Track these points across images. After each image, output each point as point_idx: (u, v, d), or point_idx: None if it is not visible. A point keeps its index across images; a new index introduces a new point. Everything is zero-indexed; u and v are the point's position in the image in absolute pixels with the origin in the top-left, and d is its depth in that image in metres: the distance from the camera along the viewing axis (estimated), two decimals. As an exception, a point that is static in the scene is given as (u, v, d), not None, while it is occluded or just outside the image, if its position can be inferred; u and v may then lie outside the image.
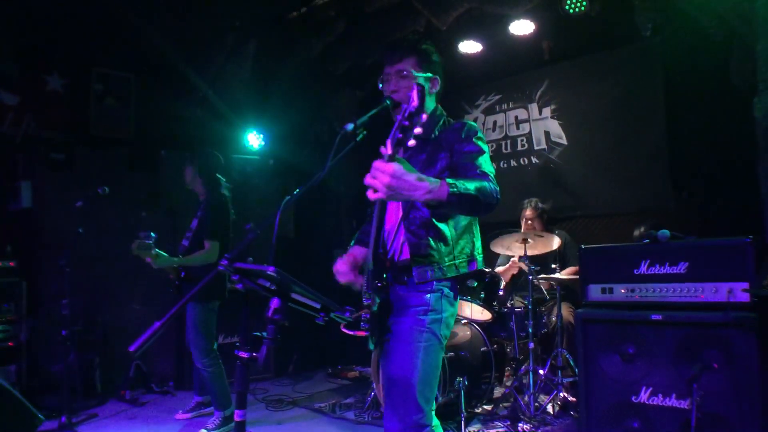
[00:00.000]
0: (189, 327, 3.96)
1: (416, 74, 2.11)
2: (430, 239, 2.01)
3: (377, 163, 1.58)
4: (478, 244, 2.18)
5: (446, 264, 2.03)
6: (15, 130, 5.21)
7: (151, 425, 4.29)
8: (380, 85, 2.16)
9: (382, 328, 1.99)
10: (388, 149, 1.58)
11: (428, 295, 1.99)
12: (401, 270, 2.03)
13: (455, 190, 1.69)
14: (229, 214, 4.17)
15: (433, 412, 1.97)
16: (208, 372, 3.98)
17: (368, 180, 1.59)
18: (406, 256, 2.04)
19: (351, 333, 1.96)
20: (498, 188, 1.86)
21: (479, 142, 2.04)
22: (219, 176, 4.23)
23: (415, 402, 1.88)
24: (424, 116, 1.60)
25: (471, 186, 1.75)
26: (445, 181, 1.69)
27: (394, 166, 1.56)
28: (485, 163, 1.97)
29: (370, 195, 1.60)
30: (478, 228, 2.19)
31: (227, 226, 4.13)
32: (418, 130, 1.60)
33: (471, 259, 2.11)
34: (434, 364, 1.97)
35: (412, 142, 1.63)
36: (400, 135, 1.60)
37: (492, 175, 1.92)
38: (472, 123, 2.12)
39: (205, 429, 3.96)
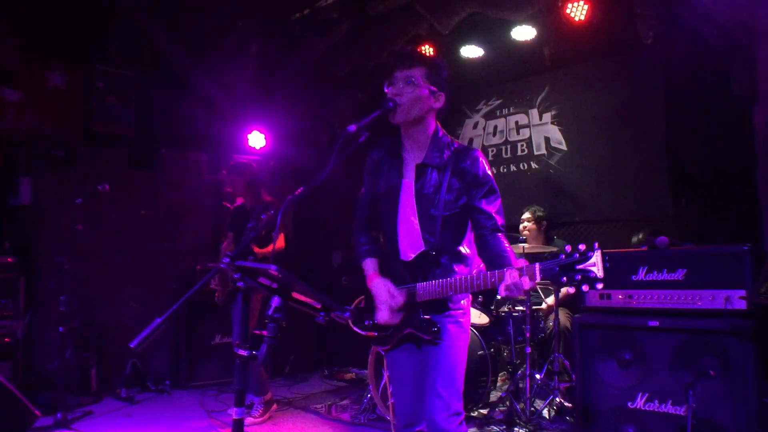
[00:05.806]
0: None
1: (423, 84, 2.10)
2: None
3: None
4: None
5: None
6: (16, 126, 5.21)
7: (146, 424, 4.28)
8: (386, 87, 2.14)
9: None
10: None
11: (463, 301, 2.24)
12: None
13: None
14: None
15: None
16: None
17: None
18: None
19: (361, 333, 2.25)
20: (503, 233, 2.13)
21: (489, 178, 2.17)
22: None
23: (458, 393, 2.14)
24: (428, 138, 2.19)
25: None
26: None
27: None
28: (497, 209, 2.15)
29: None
30: None
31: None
32: None
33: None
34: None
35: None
36: None
37: (502, 220, 2.14)
38: (478, 152, 2.19)
39: (252, 417, 4.19)
